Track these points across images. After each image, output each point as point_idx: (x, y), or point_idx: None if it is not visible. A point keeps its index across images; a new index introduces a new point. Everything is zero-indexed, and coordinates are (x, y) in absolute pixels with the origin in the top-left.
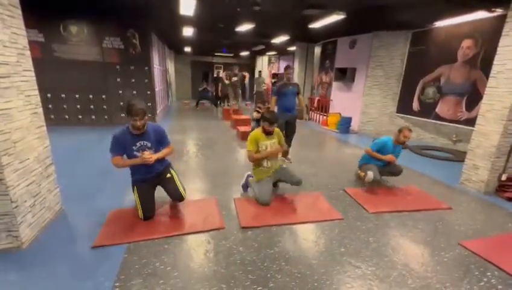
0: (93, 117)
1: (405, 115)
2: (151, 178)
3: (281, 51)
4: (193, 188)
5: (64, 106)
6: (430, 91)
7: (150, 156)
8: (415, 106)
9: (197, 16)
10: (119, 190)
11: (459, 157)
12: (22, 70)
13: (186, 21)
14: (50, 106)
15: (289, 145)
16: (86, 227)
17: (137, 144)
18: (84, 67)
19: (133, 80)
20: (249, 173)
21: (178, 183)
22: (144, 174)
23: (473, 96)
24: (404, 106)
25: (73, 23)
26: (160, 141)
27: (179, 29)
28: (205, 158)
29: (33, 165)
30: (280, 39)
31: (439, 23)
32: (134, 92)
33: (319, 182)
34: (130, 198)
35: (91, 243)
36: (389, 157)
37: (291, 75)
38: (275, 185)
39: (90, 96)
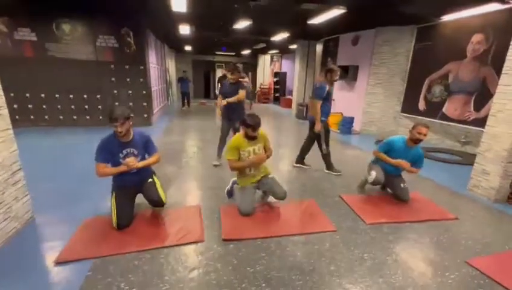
0: (88, 117)
1: (410, 115)
2: (132, 186)
3: (283, 50)
4: (179, 195)
5: (59, 106)
6: (437, 89)
7: (133, 163)
8: (421, 105)
9: (191, 13)
10: (103, 196)
11: (468, 160)
12: None
13: (181, 18)
14: (44, 106)
15: (328, 154)
16: (57, 238)
17: (124, 151)
18: (78, 66)
19: (128, 79)
20: (235, 179)
21: (159, 187)
22: (125, 181)
23: (482, 95)
24: (409, 106)
25: (67, 21)
26: (146, 148)
27: (175, 27)
28: (197, 161)
29: None
30: (280, 36)
31: (447, 17)
32: (130, 92)
33: (313, 187)
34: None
35: (56, 256)
36: (398, 161)
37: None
38: (264, 192)
39: (85, 96)
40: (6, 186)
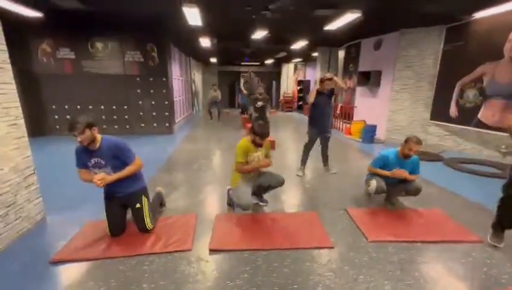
0: (116, 127)
1: (441, 122)
2: (119, 197)
3: (306, 57)
4: (180, 201)
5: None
6: (471, 94)
7: (99, 181)
8: (453, 111)
9: (208, 26)
10: None
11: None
12: None
13: (199, 32)
14: None
15: None
16: (63, 238)
17: (92, 160)
18: (108, 80)
19: (152, 91)
20: (229, 187)
21: (146, 213)
22: (110, 192)
23: None
24: (439, 112)
25: (99, 40)
26: (117, 157)
27: (196, 40)
28: (205, 168)
29: (8, 176)
30: (299, 45)
31: (480, 14)
32: (153, 102)
33: (320, 198)
34: None
35: (52, 256)
36: (393, 172)
37: None
38: (261, 201)
39: (114, 107)
40: (18, 189)
